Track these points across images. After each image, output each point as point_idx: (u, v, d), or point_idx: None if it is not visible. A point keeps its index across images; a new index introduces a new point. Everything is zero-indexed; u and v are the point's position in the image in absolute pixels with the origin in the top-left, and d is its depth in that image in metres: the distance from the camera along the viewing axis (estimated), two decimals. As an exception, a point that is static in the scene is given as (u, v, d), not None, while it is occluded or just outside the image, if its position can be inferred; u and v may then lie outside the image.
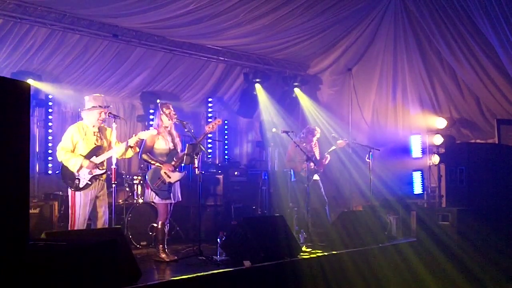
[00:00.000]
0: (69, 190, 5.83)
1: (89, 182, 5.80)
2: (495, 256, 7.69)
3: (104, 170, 5.96)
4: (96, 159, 5.87)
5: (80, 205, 5.76)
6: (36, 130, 8.51)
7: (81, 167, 5.77)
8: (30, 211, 6.83)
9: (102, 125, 6.06)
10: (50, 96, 8.65)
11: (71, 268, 3.59)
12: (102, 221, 5.93)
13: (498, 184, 8.68)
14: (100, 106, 5.93)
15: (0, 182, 3.00)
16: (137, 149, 6.21)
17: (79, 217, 5.75)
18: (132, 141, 6.04)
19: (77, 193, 5.78)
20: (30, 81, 7.95)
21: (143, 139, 6.23)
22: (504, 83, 9.28)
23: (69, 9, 7.67)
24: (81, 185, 5.77)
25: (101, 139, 6.01)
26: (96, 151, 5.91)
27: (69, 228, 5.81)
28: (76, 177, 5.77)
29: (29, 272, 3.20)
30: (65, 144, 5.84)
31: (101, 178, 5.95)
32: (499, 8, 7.48)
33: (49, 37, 8.01)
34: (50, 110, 8.69)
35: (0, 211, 2.99)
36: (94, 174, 5.82)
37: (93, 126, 5.96)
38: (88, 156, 5.84)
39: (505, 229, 8.11)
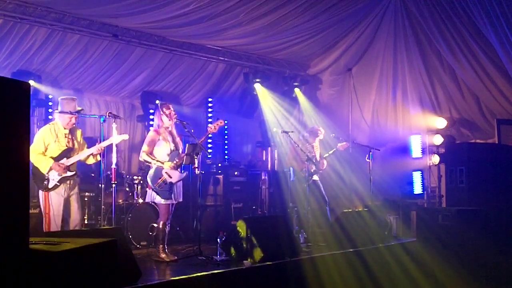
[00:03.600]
0: (40, 192, 5.87)
1: (58, 184, 5.85)
2: (495, 256, 7.69)
3: (74, 173, 5.97)
4: (66, 161, 5.91)
5: (53, 205, 5.80)
6: (36, 130, 8.48)
7: (50, 169, 5.81)
8: (30, 211, 6.82)
9: (73, 126, 6.08)
10: (50, 96, 8.64)
11: (71, 268, 3.59)
12: (76, 220, 5.96)
13: (498, 184, 8.69)
14: (70, 112, 5.92)
15: (0, 182, 3.00)
16: (99, 158, 6.12)
17: (54, 217, 5.77)
18: (103, 144, 6.01)
19: (50, 193, 5.83)
20: (30, 82, 7.96)
21: (110, 144, 6.16)
22: (504, 83, 9.28)
23: (69, 9, 7.66)
24: (50, 186, 5.82)
25: (72, 140, 6.04)
26: (67, 153, 5.95)
27: (44, 229, 5.81)
28: (46, 178, 5.82)
29: (29, 273, 3.20)
30: (36, 146, 5.87)
31: (71, 180, 5.98)
32: (499, 8, 7.48)
33: (49, 37, 8.01)
34: (50, 110, 8.68)
35: (0, 211, 2.99)
36: (63, 175, 5.86)
37: (64, 128, 5.98)
38: (58, 158, 5.88)
39: (505, 229, 8.11)
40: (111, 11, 7.73)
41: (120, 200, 7.75)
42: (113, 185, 5.93)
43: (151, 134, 6.34)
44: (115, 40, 8.48)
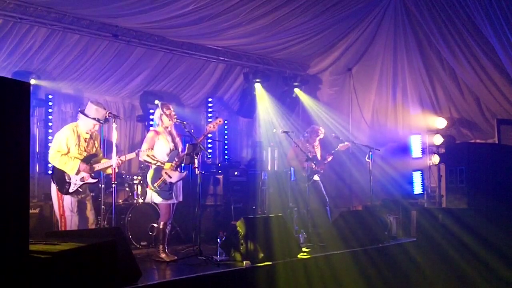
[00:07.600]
0: (56, 193, 5.84)
1: (80, 190, 5.87)
2: (495, 257, 7.69)
3: (96, 180, 6.00)
4: (96, 166, 5.96)
5: (68, 207, 5.81)
6: (36, 130, 8.50)
7: (79, 170, 5.80)
8: (30, 211, 6.83)
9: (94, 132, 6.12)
10: (50, 96, 8.65)
11: (70, 269, 3.59)
12: (91, 221, 6.01)
13: (498, 184, 8.67)
14: (98, 120, 5.93)
15: (0, 182, 3.00)
16: (117, 169, 6.20)
17: (70, 220, 5.78)
18: (124, 158, 6.09)
19: (66, 196, 5.81)
20: (32, 81, 7.97)
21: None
22: (504, 83, 9.29)
23: (69, 9, 7.66)
24: (70, 190, 5.82)
25: (93, 146, 6.06)
26: (92, 158, 5.96)
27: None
28: (67, 181, 5.81)
29: (29, 273, 3.20)
30: (60, 148, 5.84)
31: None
32: (499, 8, 7.48)
33: (49, 37, 8.00)
34: (50, 110, 8.69)
35: (0, 212, 2.99)
36: (86, 181, 5.87)
37: (86, 132, 5.99)
38: (85, 161, 5.90)
39: (506, 229, 8.11)
40: (111, 11, 7.73)
41: (120, 200, 7.75)
42: (113, 185, 5.93)
43: (150, 134, 6.35)
44: (115, 40, 8.48)
